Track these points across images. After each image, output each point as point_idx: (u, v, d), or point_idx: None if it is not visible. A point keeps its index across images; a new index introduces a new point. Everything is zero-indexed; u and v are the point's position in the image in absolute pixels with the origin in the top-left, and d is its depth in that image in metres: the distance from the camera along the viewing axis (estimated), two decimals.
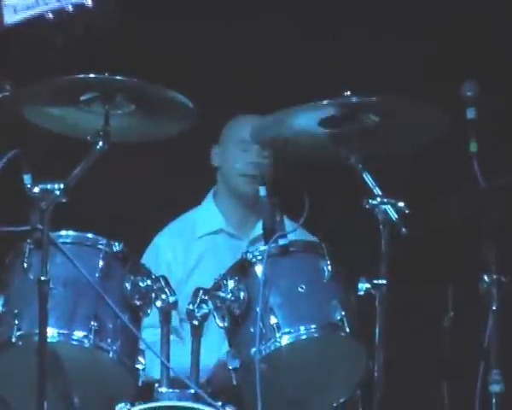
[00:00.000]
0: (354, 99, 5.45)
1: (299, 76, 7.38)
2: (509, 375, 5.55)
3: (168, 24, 7.63)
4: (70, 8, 4.50)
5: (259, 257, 5.41)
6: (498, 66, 7.07)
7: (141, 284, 5.40)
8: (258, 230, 6.06)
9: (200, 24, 7.56)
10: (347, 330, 5.27)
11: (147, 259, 6.18)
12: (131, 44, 7.19)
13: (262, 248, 5.48)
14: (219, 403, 5.17)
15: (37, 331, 5.02)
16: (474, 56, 7.11)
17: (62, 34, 4.76)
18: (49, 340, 5.09)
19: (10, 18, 4.59)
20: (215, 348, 5.73)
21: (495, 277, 5.46)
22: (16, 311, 5.29)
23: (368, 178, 5.41)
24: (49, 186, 5.21)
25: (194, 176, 6.94)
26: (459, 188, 5.77)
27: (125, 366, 5.31)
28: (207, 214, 6.60)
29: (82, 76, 5.43)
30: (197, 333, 5.40)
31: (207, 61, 7.34)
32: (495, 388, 5.43)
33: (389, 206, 5.30)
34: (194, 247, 6.46)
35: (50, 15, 4.48)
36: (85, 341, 5.24)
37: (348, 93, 5.41)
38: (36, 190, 5.20)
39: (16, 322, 5.27)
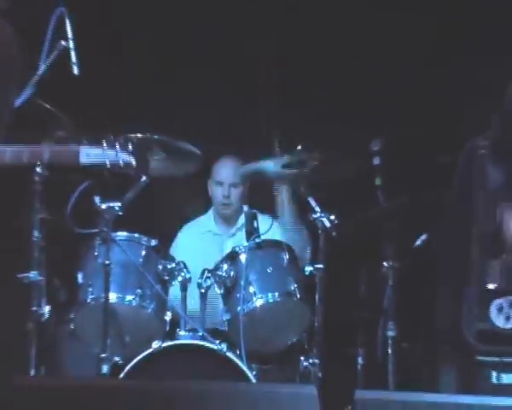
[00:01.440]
0: (302, 153, 5.74)
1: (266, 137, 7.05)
2: (400, 325, 5.76)
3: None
4: (121, 163, 4.36)
5: (243, 250, 5.79)
6: (397, 126, 6.89)
7: (168, 266, 5.69)
8: (233, 230, 6.61)
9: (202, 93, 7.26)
10: (298, 296, 5.70)
11: (174, 247, 6.59)
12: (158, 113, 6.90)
13: (245, 244, 5.80)
14: (217, 341, 5.53)
15: (103, 295, 5.42)
16: (380, 119, 6.88)
17: (111, 170, 4.53)
18: (110, 301, 5.45)
19: (83, 159, 4.38)
20: (215, 306, 5.96)
21: (391, 263, 5.76)
22: (90, 282, 5.60)
23: (311, 200, 5.67)
24: (110, 204, 5.43)
25: (205, 194, 6.79)
26: (370, 206, 6.00)
27: (158, 318, 5.68)
28: (207, 220, 6.77)
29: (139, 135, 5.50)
30: (204, 297, 5.72)
31: (207, 125, 7.04)
32: (390, 333, 5.70)
33: (325, 218, 5.62)
34: (198, 239, 6.65)
35: (108, 164, 4.38)
36: (133, 302, 5.62)
37: (299, 147, 5.72)
38: (103, 206, 5.41)
39: (90, 289, 5.59)
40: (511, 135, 5.02)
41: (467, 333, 4.96)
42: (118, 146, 4.31)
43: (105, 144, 4.31)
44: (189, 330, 5.71)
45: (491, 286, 4.78)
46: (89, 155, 4.30)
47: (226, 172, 6.60)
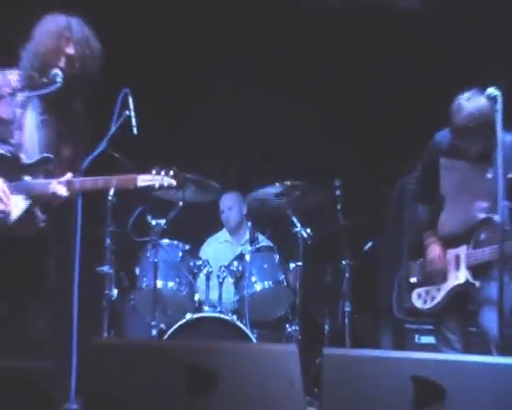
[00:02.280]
0: (289, 187, 5.68)
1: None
2: (353, 303, 5.72)
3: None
4: (165, 184, 4.08)
5: (248, 252, 5.78)
6: (350, 167, 6.58)
7: (197, 263, 5.76)
8: (242, 241, 6.47)
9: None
10: (284, 284, 5.74)
11: (201, 251, 6.45)
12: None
13: (249, 248, 5.83)
14: (230, 314, 5.58)
15: (152, 283, 5.45)
16: (338, 163, 6.55)
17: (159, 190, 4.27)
18: (157, 286, 5.47)
19: (140, 183, 4.09)
20: (229, 291, 5.80)
21: (347, 261, 5.74)
22: (144, 274, 5.69)
23: (294, 219, 5.68)
24: (158, 221, 5.51)
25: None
26: (334, 223, 5.86)
27: (189, 298, 5.71)
28: (224, 234, 6.62)
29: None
30: (221, 284, 5.73)
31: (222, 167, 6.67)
32: (347, 309, 5.63)
33: (303, 231, 5.66)
34: (218, 246, 6.53)
35: (157, 186, 4.05)
36: (173, 287, 5.67)
37: (288, 183, 5.66)
38: (153, 222, 5.51)
39: (144, 279, 5.67)
40: (424, 187, 4.84)
41: (398, 310, 5.09)
42: (163, 173, 4.10)
43: (154, 172, 4.12)
44: (210, 307, 5.68)
45: (413, 280, 4.72)
46: (143, 180, 4.08)
47: (224, 203, 6.54)
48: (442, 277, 4.59)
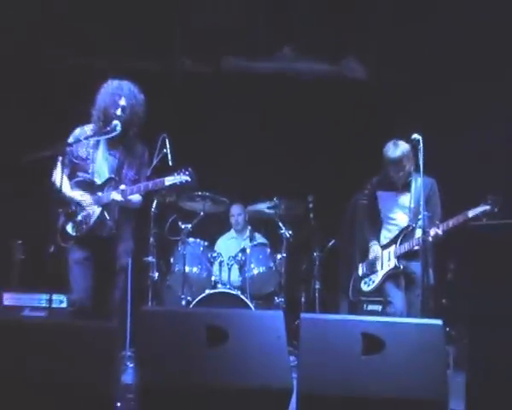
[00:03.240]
0: (275, 201, 5.69)
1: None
2: (322, 283, 5.73)
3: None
4: (184, 181, 4.11)
5: (248, 246, 5.76)
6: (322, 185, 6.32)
7: (213, 254, 5.73)
8: (244, 237, 6.25)
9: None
10: (274, 268, 5.67)
11: (216, 246, 6.22)
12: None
13: (249, 243, 5.85)
14: (235, 290, 5.53)
15: (182, 268, 5.43)
16: (311, 183, 6.24)
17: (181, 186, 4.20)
18: (186, 271, 5.45)
19: (167, 183, 4.12)
20: (235, 274, 5.73)
21: (317, 253, 5.76)
22: (176, 262, 5.60)
23: (280, 224, 5.65)
24: (186, 225, 5.54)
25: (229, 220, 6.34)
26: (308, 227, 5.79)
27: (208, 279, 5.63)
28: (232, 233, 6.41)
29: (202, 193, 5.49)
30: (230, 270, 5.69)
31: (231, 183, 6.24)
32: (317, 286, 5.69)
33: (286, 232, 5.65)
34: (227, 242, 6.31)
35: (178, 183, 4.11)
36: (197, 271, 5.61)
37: (275, 199, 5.69)
38: (182, 226, 5.54)
39: (176, 265, 5.58)
40: (368, 212, 4.89)
41: (353, 296, 5.07)
42: (182, 173, 4.09)
43: (175, 174, 4.11)
44: (222, 285, 5.66)
45: (361, 273, 4.86)
46: (168, 180, 4.09)
47: (234, 209, 6.35)
48: (380, 264, 4.76)
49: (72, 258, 4.11)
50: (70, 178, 4.18)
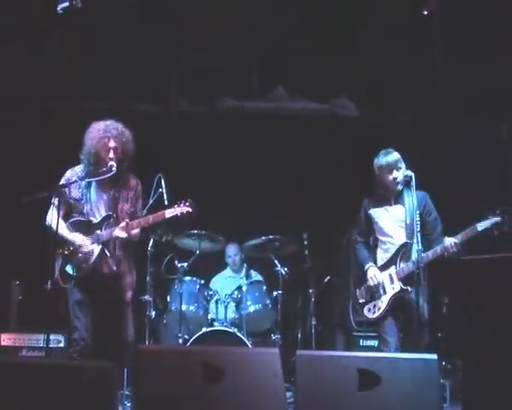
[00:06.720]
0: (270, 238, 5.67)
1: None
2: (318, 317, 5.64)
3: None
4: (185, 212, 4.12)
5: (244, 284, 5.75)
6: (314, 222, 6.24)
7: (209, 292, 5.73)
8: (241, 276, 6.22)
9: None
10: (270, 306, 5.63)
11: (212, 284, 6.13)
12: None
13: (245, 281, 5.86)
14: (232, 328, 5.46)
15: (179, 307, 5.40)
16: (304, 221, 6.15)
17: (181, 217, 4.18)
18: (182, 309, 5.40)
19: (167, 216, 4.16)
20: (232, 311, 5.70)
21: (313, 290, 5.70)
22: (173, 300, 5.58)
23: (276, 261, 5.60)
24: (182, 264, 5.53)
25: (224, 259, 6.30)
26: (303, 264, 5.76)
27: (205, 317, 5.58)
28: (228, 272, 6.33)
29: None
30: (226, 308, 5.64)
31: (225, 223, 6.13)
32: (313, 323, 5.58)
33: (282, 269, 5.61)
34: (224, 281, 6.23)
35: (179, 214, 4.13)
36: (193, 309, 5.56)
37: (270, 237, 5.64)
38: (178, 265, 5.53)
39: (173, 303, 5.58)
40: (360, 228, 4.70)
41: (352, 323, 4.79)
42: (182, 204, 4.12)
43: (175, 206, 4.14)
44: (219, 323, 5.62)
45: (362, 301, 4.56)
46: (169, 213, 4.13)
47: (231, 250, 6.30)
48: (382, 289, 4.47)
49: (74, 298, 4.10)
50: (65, 219, 4.20)
